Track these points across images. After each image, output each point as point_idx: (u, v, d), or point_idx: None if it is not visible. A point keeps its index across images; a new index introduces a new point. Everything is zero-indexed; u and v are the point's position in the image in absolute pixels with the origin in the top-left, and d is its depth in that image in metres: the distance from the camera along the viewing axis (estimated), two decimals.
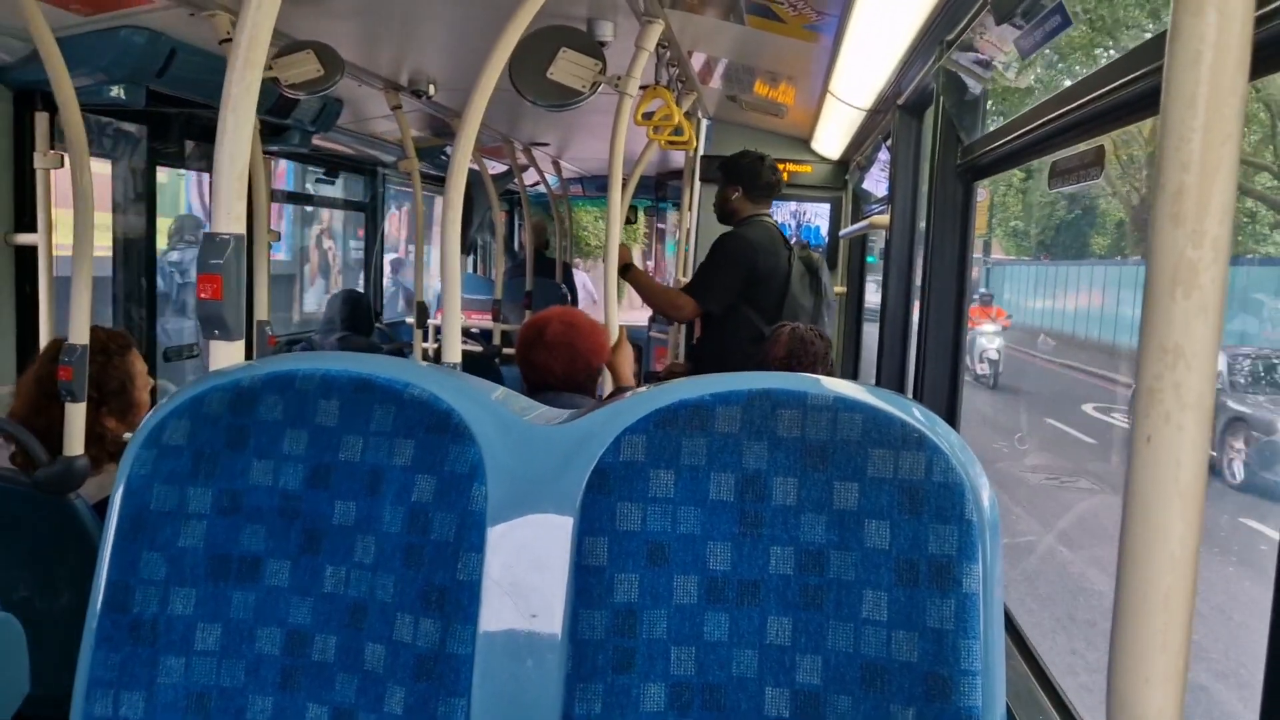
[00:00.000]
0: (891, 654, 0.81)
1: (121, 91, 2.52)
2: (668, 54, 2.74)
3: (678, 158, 5.02)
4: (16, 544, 1.89)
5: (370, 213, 5.52)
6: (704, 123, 4.26)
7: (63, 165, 2.53)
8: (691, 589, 0.84)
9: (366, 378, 0.91)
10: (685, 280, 3.95)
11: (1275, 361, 8.36)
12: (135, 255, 3.33)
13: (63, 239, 2.39)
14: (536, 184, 6.40)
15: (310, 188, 5.30)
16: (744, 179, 3.29)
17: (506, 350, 4.88)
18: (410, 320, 4.77)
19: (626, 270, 3.19)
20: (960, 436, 0.85)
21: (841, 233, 4.61)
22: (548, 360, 2.14)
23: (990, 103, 2.24)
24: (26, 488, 1.83)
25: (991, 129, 2.08)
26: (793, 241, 3.45)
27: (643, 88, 2.53)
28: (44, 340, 2.42)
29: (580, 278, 7.71)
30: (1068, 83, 1.57)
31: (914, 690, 0.80)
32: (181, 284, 5.36)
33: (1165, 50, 0.55)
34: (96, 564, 0.90)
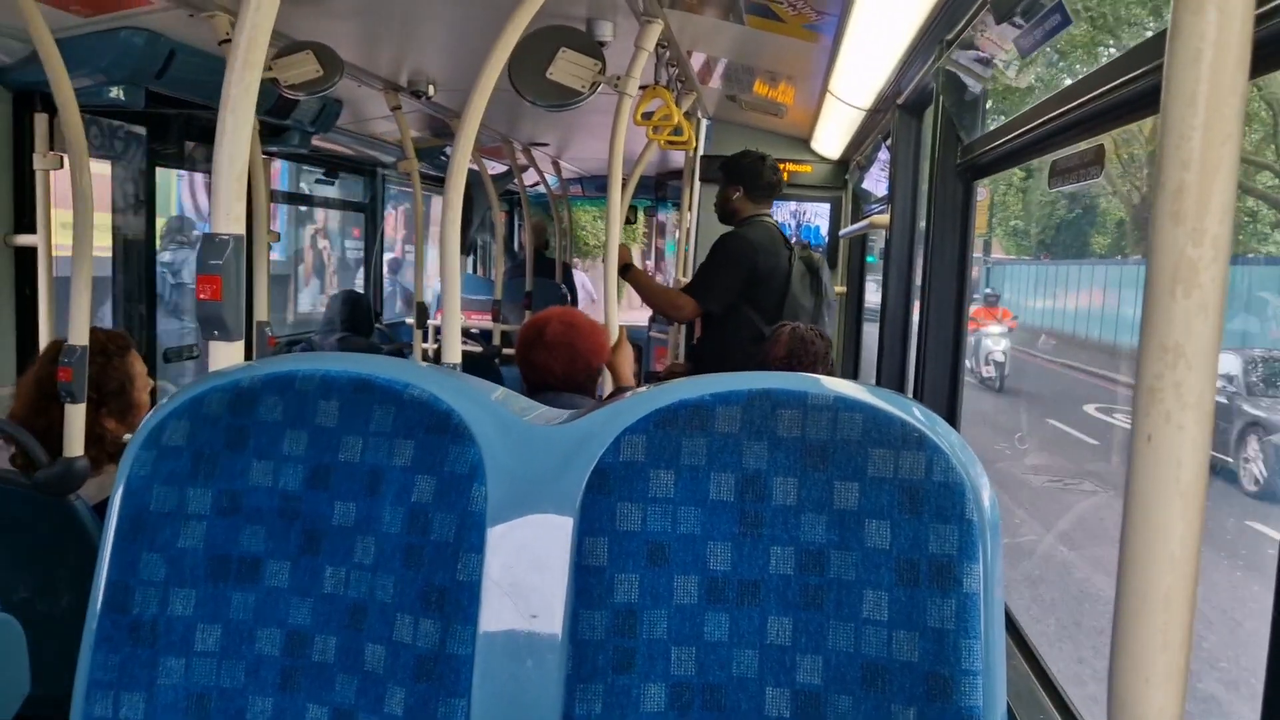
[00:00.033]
0: (892, 654, 0.80)
1: (121, 92, 2.52)
2: (667, 54, 2.74)
3: (677, 158, 5.02)
4: (17, 545, 1.90)
5: (370, 213, 5.52)
6: (704, 122, 4.26)
7: (62, 166, 2.53)
8: (692, 589, 0.84)
9: (366, 378, 0.91)
10: (685, 280, 3.95)
11: None
12: (135, 256, 3.33)
13: (62, 240, 2.39)
14: (536, 184, 6.40)
15: (305, 187, 5.29)
16: (745, 179, 3.29)
17: (506, 350, 4.88)
18: (410, 321, 4.77)
19: (626, 270, 3.19)
20: (961, 436, 0.85)
21: (841, 232, 4.61)
22: (547, 360, 2.14)
23: (990, 102, 2.24)
24: (26, 489, 1.83)
25: (991, 128, 2.08)
26: (793, 241, 3.44)
27: (642, 88, 2.53)
28: (44, 341, 2.42)
29: (579, 277, 7.71)
30: (1068, 81, 1.57)
31: (915, 690, 0.79)
32: (174, 284, 5.35)
33: (1165, 48, 0.55)
34: (96, 565, 0.90)
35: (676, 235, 5.44)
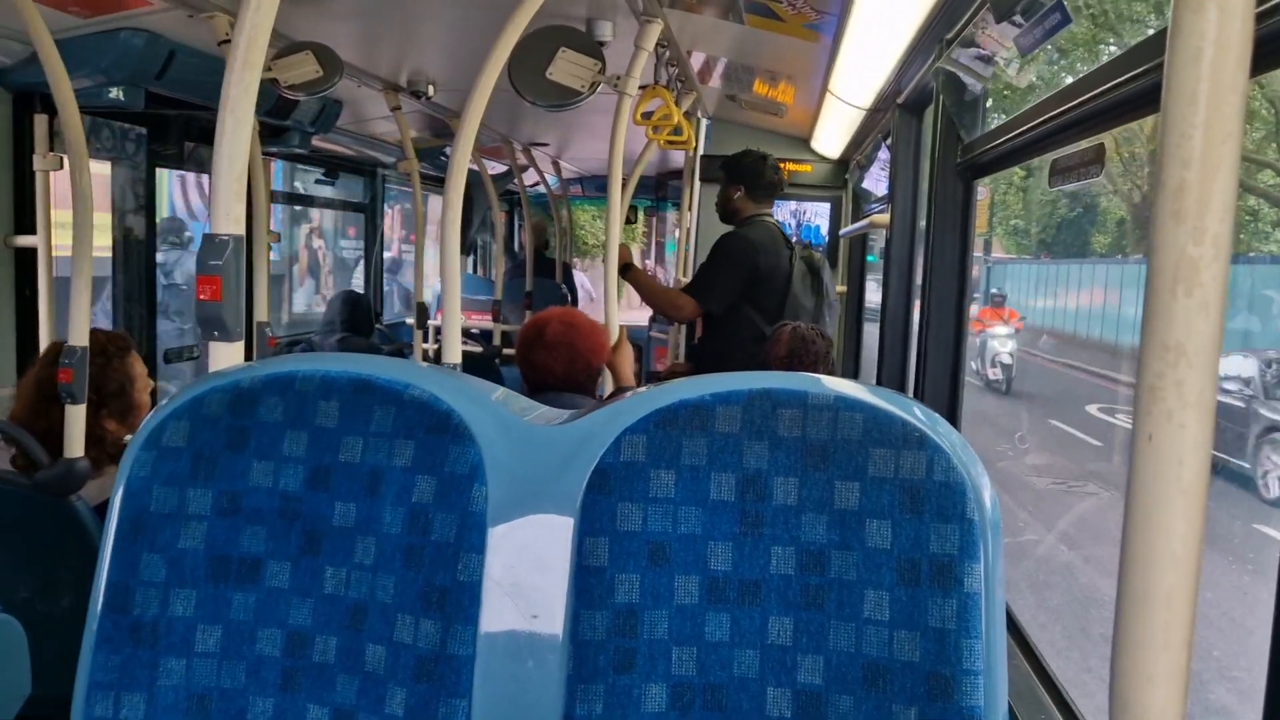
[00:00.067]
0: (893, 654, 0.80)
1: (120, 93, 2.52)
2: (667, 53, 2.74)
3: (678, 157, 5.02)
4: (18, 546, 1.90)
5: (370, 214, 5.52)
6: (703, 122, 4.26)
7: (62, 167, 2.53)
8: (692, 589, 0.84)
9: (366, 379, 0.91)
10: (685, 280, 3.95)
11: None
12: (135, 257, 3.33)
13: (62, 241, 2.39)
14: (536, 184, 6.40)
15: (300, 186, 5.28)
16: (747, 178, 3.28)
17: (507, 351, 4.88)
18: (410, 321, 4.77)
19: (627, 270, 3.19)
20: (962, 436, 0.85)
21: (841, 232, 4.61)
22: (548, 360, 2.14)
23: (990, 101, 2.24)
24: (27, 490, 1.83)
25: (992, 127, 2.08)
26: (794, 241, 3.44)
27: (642, 87, 2.53)
28: (44, 342, 2.42)
29: (578, 277, 7.71)
30: (1069, 80, 1.56)
31: (916, 690, 0.79)
32: (166, 285, 5.34)
33: (1166, 47, 0.55)
34: (97, 565, 0.90)
35: (676, 234, 5.44)
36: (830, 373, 2.51)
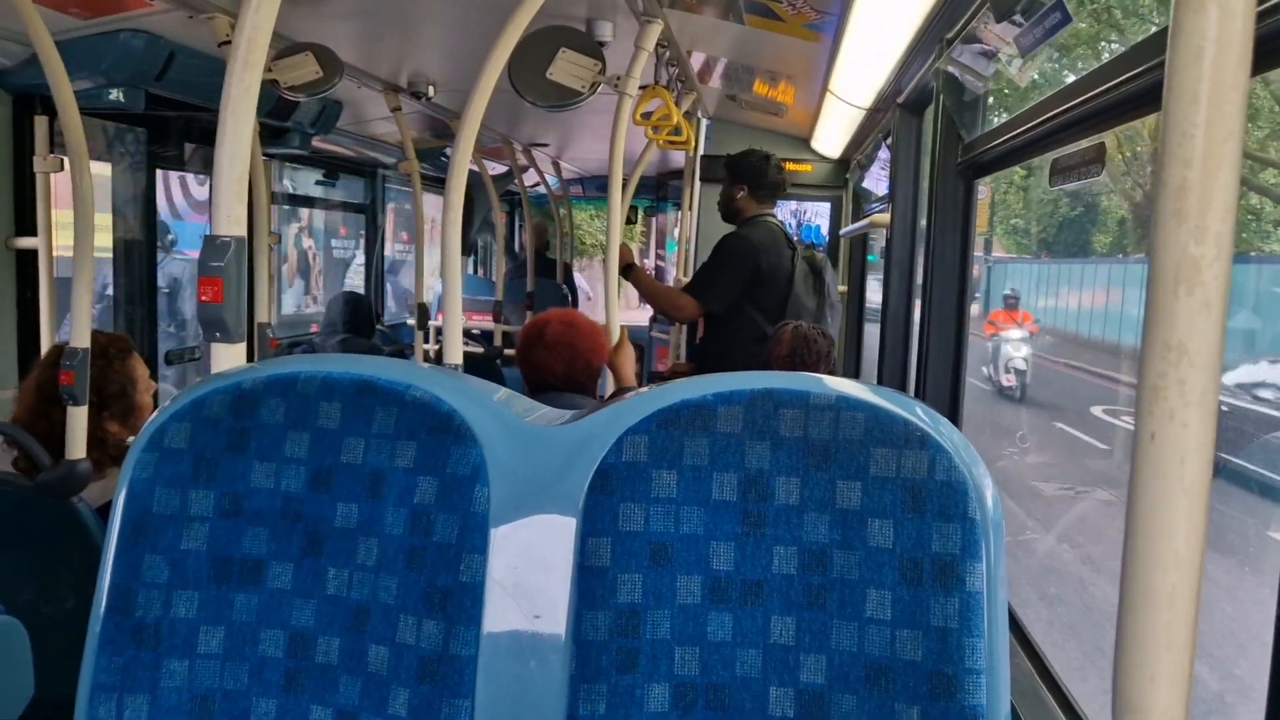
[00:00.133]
0: (896, 653, 0.80)
1: (121, 95, 2.52)
2: (667, 54, 2.74)
3: (678, 157, 5.02)
4: (20, 548, 1.90)
5: (370, 215, 5.52)
6: (703, 122, 4.26)
7: (63, 169, 2.54)
8: (695, 589, 0.84)
9: (368, 380, 0.91)
10: (686, 280, 3.94)
11: None
12: (136, 258, 3.33)
13: (63, 242, 2.39)
14: (536, 184, 6.40)
15: (289, 184, 5.25)
16: (750, 178, 3.28)
17: (508, 351, 4.88)
18: (411, 321, 4.76)
19: (629, 270, 3.19)
20: (963, 435, 0.85)
21: (842, 231, 4.60)
22: (548, 360, 2.15)
23: (991, 100, 2.24)
24: (29, 492, 1.83)
25: (992, 126, 2.08)
26: (796, 241, 3.44)
27: (642, 88, 2.52)
28: (45, 344, 2.42)
29: (576, 278, 7.71)
30: (1070, 78, 1.56)
31: (918, 689, 0.79)
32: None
33: (1167, 46, 0.55)
34: (99, 567, 0.90)
35: (676, 234, 5.44)
36: (832, 372, 2.51)
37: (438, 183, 5.37)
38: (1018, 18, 1.71)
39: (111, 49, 2.37)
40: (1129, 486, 0.57)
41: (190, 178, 5.18)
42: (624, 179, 2.54)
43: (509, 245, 7.09)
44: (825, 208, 4.82)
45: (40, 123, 2.61)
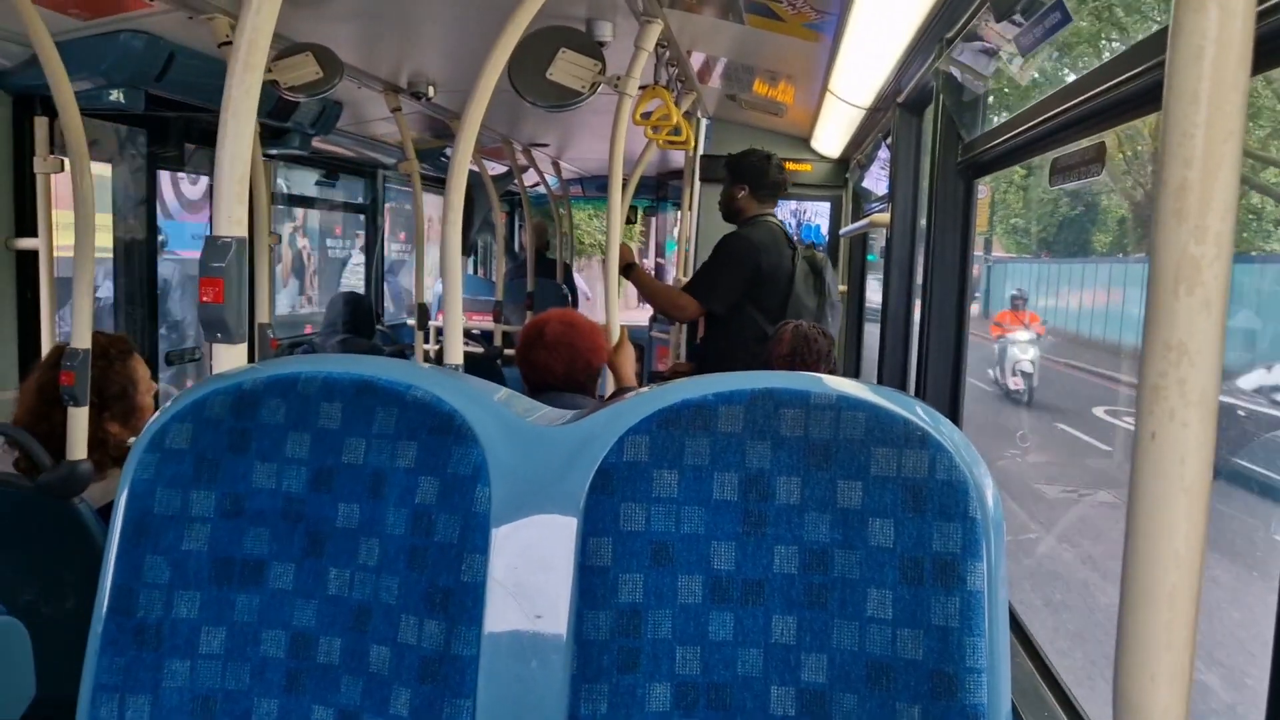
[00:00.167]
0: (897, 652, 0.80)
1: (121, 96, 2.52)
2: (667, 54, 2.74)
3: (678, 157, 5.02)
4: (21, 548, 1.90)
5: (370, 215, 5.52)
6: (703, 122, 4.26)
7: (63, 170, 2.54)
8: (696, 589, 0.84)
9: (369, 380, 0.91)
10: (686, 280, 3.94)
11: None
12: (136, 259, 3.33)
13: (64, 243, 2.39)
14: (536, 184, 6.40)
15: (284, 184, 5.25)
16: (751, 178, 3.27)
17: (508, 351, 4.88)
18: (411, 322, 4.77)
19: (629, 270, 3.19)
20: (964, 434, 0.85)
21: (842, 231, 4.60)
22: (548, 360, 2.15)
23: (991, 99, 2.24)
24: (30, 492, 1.83)
25: (992, 126, 2.08)
26: (796, 241, 3.44)
27: (642, 88, 2.53)
28: (45, 344, 2.42)
29: (575, 278, 7.71)
30: (1071, 78, 1.56)
31: (919, 688, 0.79)
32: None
33: (1167, 46, 0.55)
34: (101, 568, 0.90)
35: (675, 234, 5.44)
36: (832, 372, 2.51)
37: (438, 183, 5.37)
38: (1018, 17, 1.71)
39: (111, 50, 2.37)
40: (1129, 486, 0.58)
41: (183, 177, 5.19)
42: (624, 179, 2.54)
43: (509, 245, 7.08)
44: (825, 207, 4.82)
45: (40, 123, 2.61)
